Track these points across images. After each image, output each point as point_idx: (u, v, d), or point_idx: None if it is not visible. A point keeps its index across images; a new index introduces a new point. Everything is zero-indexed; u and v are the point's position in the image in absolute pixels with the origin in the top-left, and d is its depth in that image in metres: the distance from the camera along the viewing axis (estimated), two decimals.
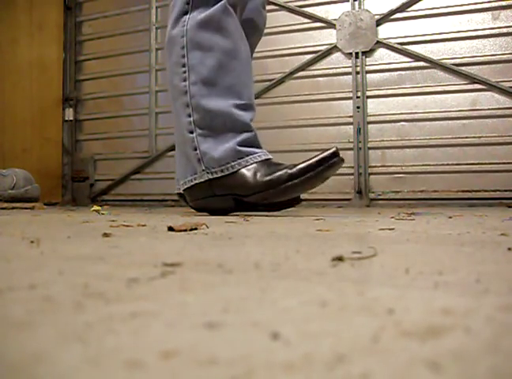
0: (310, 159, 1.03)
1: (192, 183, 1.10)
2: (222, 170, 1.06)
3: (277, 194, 1.02)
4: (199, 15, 1.09)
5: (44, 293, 0.22)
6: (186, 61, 1.09)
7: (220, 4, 1.08)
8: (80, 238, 0.51)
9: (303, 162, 1.03)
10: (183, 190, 1.13)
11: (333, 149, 1.03)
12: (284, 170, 1.02)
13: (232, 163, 1.06)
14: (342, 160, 1.03)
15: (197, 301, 0.21)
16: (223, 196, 1.08)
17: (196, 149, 1.08)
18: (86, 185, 2.53)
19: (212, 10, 1.08)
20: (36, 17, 2.56)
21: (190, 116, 1.09)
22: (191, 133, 1.09)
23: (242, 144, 1.07)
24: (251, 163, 1.05)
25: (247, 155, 1.06)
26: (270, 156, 1.09)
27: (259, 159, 1.06)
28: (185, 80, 1.09)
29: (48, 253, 0.37)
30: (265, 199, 1.03)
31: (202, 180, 1.08)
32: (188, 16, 1.10)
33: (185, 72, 1.09)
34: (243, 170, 1.05)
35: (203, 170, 1.08)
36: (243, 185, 1.05)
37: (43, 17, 2.59)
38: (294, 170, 1.01)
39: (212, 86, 1.08)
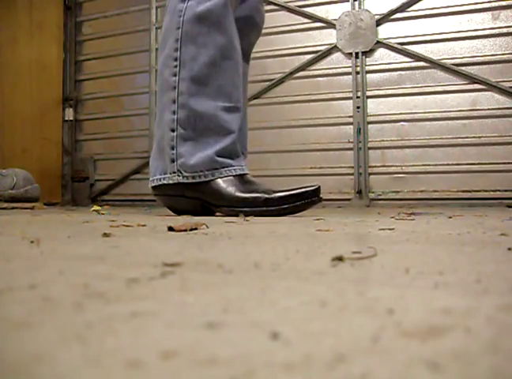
0: (291, 189, 1.01)
1: (160, 183, 1.08)
2: (194, 177, 1.05)
3: (249, 214, 1.00)
4: (198, 6, 1.05)
5: (44, 293, 0.22)
6: (178, 56, 1.06)
7: None
8: (80, 238, 0.51)
9: (283, 191, 1.01)
10: (151, 187, 1.11)
11: (316, 186, 1.01)
12: (262, 193, 1.01)
13: (206, 172, 1.04)
14: (320, 200, 1.03)
15: (197, 301, 0.21)
16: (191, 199, 1.07)
17: (173, 149, 1.06)
18: (86, 185, 2.53)
19: (213, 4, 1.05)
20: (36, 17, 2.56)
21: (174, 113, 1.06)
22: (172, 131, 1.06)
23: (220, 153, 1.05)
24: (226, 176, 1.04)
25: (222, 167, 1.05)
26: (246, 172, 1.07)
27: (234, 173, 1.05)
28: (175, 75, 1.06)
29: (48, 253, 0.37)
30: (236, 214, 1.01)
31: (171, 182, 1.07)
32: (185, 4, 1.06)
33: (176, 66, 1.06)
34: (219, 181, 1.04)
35: (174, 173, 1.06)
36: (216, 195, 1.04)
37: (43, 17, 2.59)
38: (272, 196, 1.00)
39: (203, 85, 1.05)
